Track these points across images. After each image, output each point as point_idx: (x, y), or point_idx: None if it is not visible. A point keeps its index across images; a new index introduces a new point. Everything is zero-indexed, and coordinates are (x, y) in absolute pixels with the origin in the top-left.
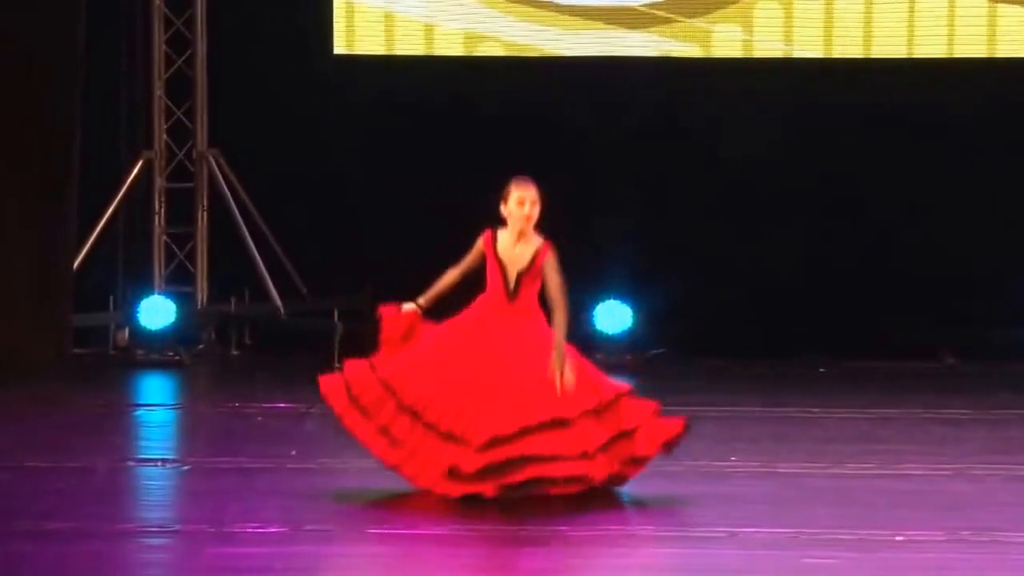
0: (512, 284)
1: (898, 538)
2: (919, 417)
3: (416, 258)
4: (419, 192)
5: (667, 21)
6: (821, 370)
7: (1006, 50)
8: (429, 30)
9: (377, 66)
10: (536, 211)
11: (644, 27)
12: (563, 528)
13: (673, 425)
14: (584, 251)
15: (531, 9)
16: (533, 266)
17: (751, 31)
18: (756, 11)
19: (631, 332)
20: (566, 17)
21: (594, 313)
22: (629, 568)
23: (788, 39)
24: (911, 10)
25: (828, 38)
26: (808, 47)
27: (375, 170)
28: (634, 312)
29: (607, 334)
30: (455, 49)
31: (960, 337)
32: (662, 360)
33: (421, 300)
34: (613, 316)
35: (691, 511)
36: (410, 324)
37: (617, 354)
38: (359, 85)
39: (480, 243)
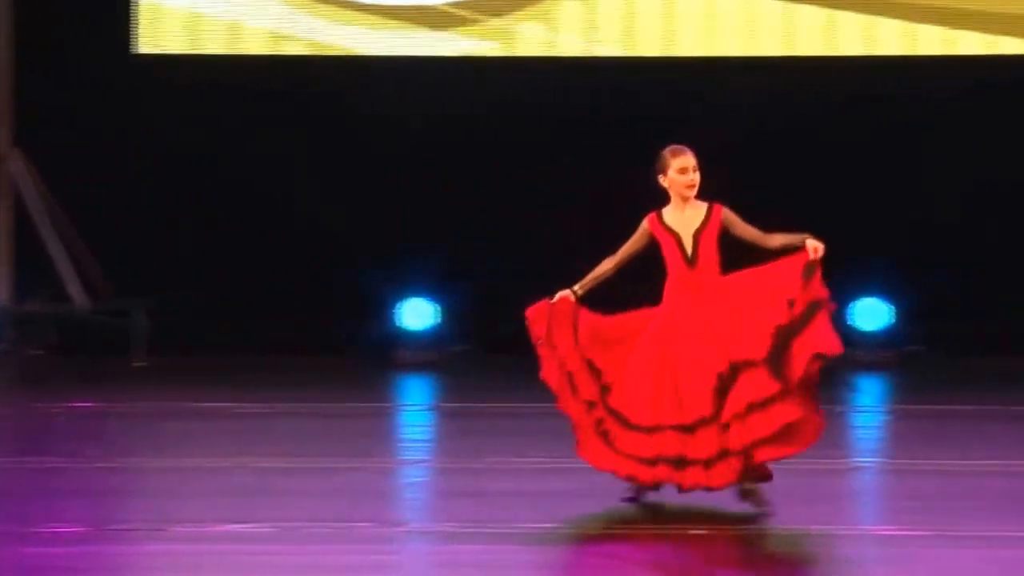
0: (690, 248)
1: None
2: None
3: (226, 257)
4: (227, 189)
5: (470, 21)
6: None
7: (804, 48)
8: (234, 29)
9: (182, 64)
10: (698, 177)
11: (447, 27)
12: (367, 525)
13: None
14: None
15: (335, 8)
16: (709, 222)
17: (554, 30)
18: (558, 10)
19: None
20: (369, 16)
21: None
22: (374, 567)
23: (589, 37)
24: (711, 8)
25: (630, 36)
26: (610, 45)
27: (181, 169)
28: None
29: None
30: (260, 48)
31: None
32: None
33: (577, 288)
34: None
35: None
36: (566, 313)
37: None
38: (164, 84)
39: (645, 225)
